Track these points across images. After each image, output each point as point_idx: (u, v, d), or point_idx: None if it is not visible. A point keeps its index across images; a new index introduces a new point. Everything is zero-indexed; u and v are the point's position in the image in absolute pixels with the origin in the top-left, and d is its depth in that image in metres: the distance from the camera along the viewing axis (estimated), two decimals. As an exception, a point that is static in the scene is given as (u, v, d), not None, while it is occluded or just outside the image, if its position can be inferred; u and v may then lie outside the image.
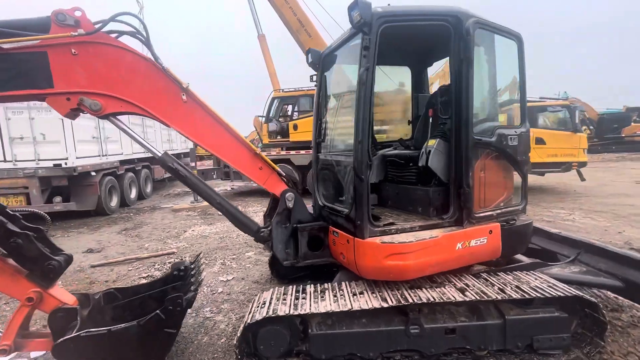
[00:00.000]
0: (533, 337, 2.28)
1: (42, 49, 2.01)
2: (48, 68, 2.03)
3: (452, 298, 2.15)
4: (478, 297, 2.15)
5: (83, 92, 2.12)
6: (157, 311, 2.13)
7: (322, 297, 2.33)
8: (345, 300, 2.25)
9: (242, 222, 2.64)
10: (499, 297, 2.16)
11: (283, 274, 3.52)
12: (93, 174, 7.47)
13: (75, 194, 7.37)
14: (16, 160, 6.78)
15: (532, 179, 9.35)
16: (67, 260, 2.28)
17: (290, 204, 2.66)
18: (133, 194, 9.69)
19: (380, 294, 2.29)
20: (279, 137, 10.44)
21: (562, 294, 2.19)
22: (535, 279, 2.44)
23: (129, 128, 2.36)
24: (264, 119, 10.39)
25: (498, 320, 2.26)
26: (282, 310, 2.17)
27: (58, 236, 6.49)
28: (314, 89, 9.05)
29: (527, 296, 2.18)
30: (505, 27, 2.53)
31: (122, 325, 2.09)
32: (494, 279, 2.46)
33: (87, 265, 4.70)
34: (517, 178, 2.73)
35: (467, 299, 2.14)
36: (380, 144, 3.60)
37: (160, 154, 2.40)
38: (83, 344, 2.00)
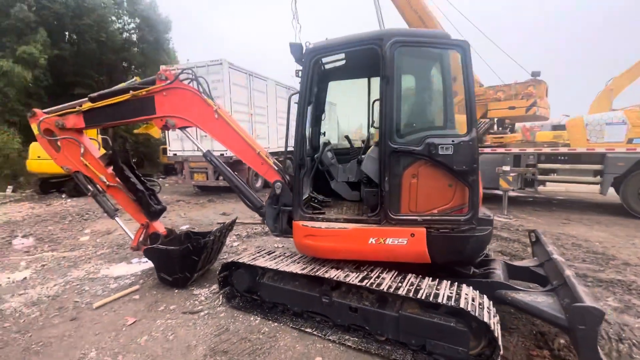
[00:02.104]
0: (426, 339, 2.38)
1: (151, 95, 3.79)
2: (153, 103, 3.80)
3: (343, 280, 2.59)
4: (360, 283, 2.50)
5: (168, 115, 3.81)
6: (188, 244, 3.66)
7: (272, 258, 3.22)
8: (281, 263, 3.06)
9: (250, 200, 3.78)
10: (382, 289, 2.43)
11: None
12: (244, 161, 10.45)
13: (233, 174, 10.58)
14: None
15: None
16: (162, 209, 4.13)
17: (277, 191, 3.58)
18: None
19: (308, 265, 2.96)
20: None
21: (450, 304, 2.22)
22: (453, 290, 2.43)
23: (188, 134, 3.94)
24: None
25: (394, 313, 2.49)
26: (243, 260, 3.22)
27: (217, 202, 9.68)
28: None
29: (412, 296, 2.34)
30: (444, 39, 2.50)
31: (172, 247, 3.72)
32: (415, 281, 2.62)
33: (215, 221, 7.11)
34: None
35: (350, 283, 2.53)
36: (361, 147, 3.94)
37: (204, 150, 3.86)
38: (156, 252, 3.75)
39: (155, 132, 14.52)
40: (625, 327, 2.88)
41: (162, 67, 11.06)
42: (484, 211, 3.08)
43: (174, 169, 14.11)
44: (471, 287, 2.50)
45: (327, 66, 3.64)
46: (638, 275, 4.03)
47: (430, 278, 2.63)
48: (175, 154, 10.95)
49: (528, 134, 21.56)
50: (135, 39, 18.71)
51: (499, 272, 2.94)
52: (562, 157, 7.63)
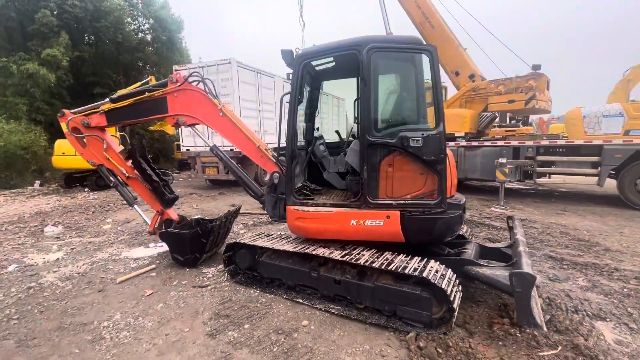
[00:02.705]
0: (397, 306, 2.76)
1: (164, 95, 4.25)
2: (165, 103, 4.26)
3: (328, 257, 3.00)
4: (342, 259, 2.90)
5: (179, 114, 4.26)
6: (197, 229, 4.13)
7: (269, 240, 3.65)
8: (277, 244, 3.48)
9: (252, 190, 4.21)
10: (361, 263, 2.82)
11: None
12: (251, 156, 10.96)
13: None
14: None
15: None
16: (175, 198, 4.63)
17: (275, 181, 3.99)
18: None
19: (299, 245, 3.37)
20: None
21: (415, 274, 2.59)
22: (425, 265, 2.80)
23: (197, 130, 4.39)
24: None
25: (370, 284, 2.88)
26: (245, 241, 3.66)
27: (227, 194, 10.22)
28: (428, 82, 9.35)
29: (384, 268, 2.72)
30: (414, 45, 2.84)
31: (183, 231, 4.20)
32: (390, 257, 2.99)
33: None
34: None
35: (334, 259, 2.94)
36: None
37: (211, 145, 4.31)
38: (170, 235, 4.25)
39: (169, 129, 15.16)
40: (585, 301, 3.18)
41: (175, 67, 11.63)
42: (457, 197, 3.44)
43: (187, 164, 14.77)
44: (438, 262, 2.86)
45: (319, 68, 4.00)
46: (614, 259, 4.28)
47: (404, 254, 3.00)
48: (187, 150, 11.52)
49: (544, 126, 21.26)
50: (149, 39, 19.44)
51: (470, 252, 3.29)
52: (560, 150, 7.76)
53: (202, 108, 4.12)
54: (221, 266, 4.19)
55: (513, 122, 12.41)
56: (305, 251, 3.20)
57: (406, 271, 2.66)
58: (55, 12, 14.36)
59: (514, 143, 8.31)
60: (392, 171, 3.02)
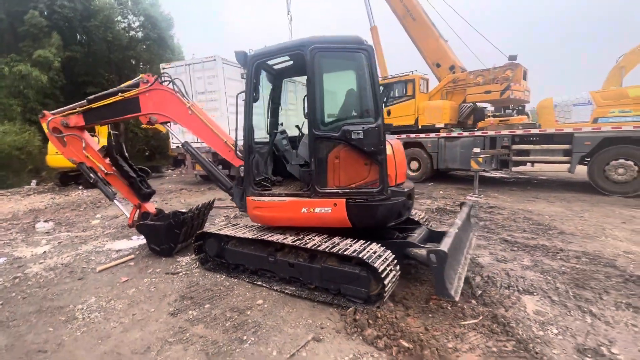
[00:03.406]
0: (341, 285, 3.04)
1: (137, 96, 4.49)
2: (138, 103, 4.50)
3: (281, 242, 3.27)
4: (292, 243, 3.18)
5: (151, 113, 4.51)
6: (171, 220, 4.42)
7: (233, 229, 3.93)
8: (239, 232, 3.76)
9: (222, 183, 4.46)
10: (309, 247, 3.09)
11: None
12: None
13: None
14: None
15: None
16: (151, 193, 4.90)
17: (242, 174, 4.26)
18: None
19: (258, 233, 3.65)
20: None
21: (352, 256, 2.87)
22: (365, 247, 3.07)
23: (170, 129, 4.64)
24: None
25: (318, 266, 3.16)
26: (212, 230, 3.94)
27: (216, 189, 10.48)
28: (407, 75, 9.61)
29: (328, 251, 3.00)
30: (353, 44, 3.06)
31: (158, 223, 4.49)
32: (337, 241, 3.26)
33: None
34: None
35: (285, 243, 3.21)
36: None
37: (182, 142, 4.57)
38: (146, 227, 4.53)
39: (161, 126, 15.40)
40: (521, 278, 3.46)
41: (162, 65, 11.82)
42: (405, 185, 3.69)
43: (182, 160, 15.05)
44: (379, 245, 3.12)
45: (278, 67, 4.23)
46: (564, 241, 4.54)
47: (351, 239, 3.26)
48: (178, 146, 11.78)
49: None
50: (140, 37, 19.57)
51: (415, 236, 3.55)
52: (534, 138, 7.98)
53: (172, 107, 4.35)
54: (194, 256, 4.48)
55: (508, 111, 12.54)
56: (263, 238, 3.47)
57: (346, 253, 2.93)
58: (45, 13, 14.50)
59: (491, 133, 8.53)
60: (338, 162, 3.27)
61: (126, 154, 4.98)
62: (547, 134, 7.77)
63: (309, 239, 3.32)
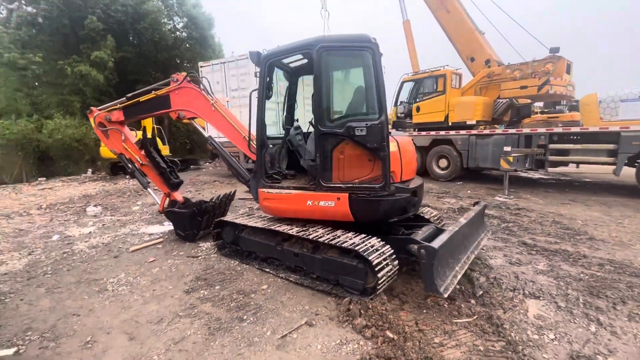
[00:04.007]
0: (339, 275, 3.16)
1: (167, 93, 4.90)
2: (169, 100, 4.92)
3: (286, 232, 3.46)
4: (296, 234, 3.35)
5: (180, 109, 4.90)
6: (194, 208, 4.81)
7: (248, 218, 4.18)
8: (251, 221, 4.01)
9: (241, 175, 4.75)
10: (309, 237, 3.24)
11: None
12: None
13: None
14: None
15: None
16: (179, 183, 5.34)
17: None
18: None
19: (269, 223, 3.87)
20: (407, 120, 11.09)
21: (348, 248, 2.97)
22: (363, 240, 3.15)
23: (197, 124, 5.01)
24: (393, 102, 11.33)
25: (319, 256, 3.30)
26: (228, 219, 4.24)
27: (245, 182, 10.98)
28: (438, 70, 9.41)
29: (328, 243, 3.13)
30: (359, 43, 3.11)
31: (183, 210, 4.90)
32: (339, 234, 3.37)
33: (238, 197, 8.34)
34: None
35: (290, 234, 3.39)
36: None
37: (207, 135, 4.92)
38: (173, 214, 4.97)
39: (201, 121, 16.32)
40: (531, 282, 3.33)
41: (200, 63, 12.53)
42: (413, 182, 3.69)
43: (217, 154, 15.91)
44: (378, 240, 3.19)
45: (294, 65, 4.38)
46: (591, 248, 4.25)
47: (352, 232, 3.36)
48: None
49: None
50: (184, 37, 20.80)
51: (421, 233, 3.55)
52: (575, 137, 7.39)
53: (198, 103, 4.71)
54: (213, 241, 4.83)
55: (558, 107, 11.64)
56: (271, 228, 3.68)
57: (344, 245, 3.04)
58: (101, 17, 15.97)
59: (526, 130, 8.03)
60: (343, 158, 3.37)
61: (158, 147, 5.47)
62: (589, 132, 7.16)
63: (313, 231, 3.47)
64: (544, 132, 7.76)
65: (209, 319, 2.86)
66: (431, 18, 10.80)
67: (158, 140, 14.34)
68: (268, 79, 3.71)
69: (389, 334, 2.45)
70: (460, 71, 10.27)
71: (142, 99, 4.99)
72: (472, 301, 2.99)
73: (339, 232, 3.40)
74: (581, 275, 3.48)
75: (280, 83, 13.13)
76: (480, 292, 3.10)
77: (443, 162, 9.98)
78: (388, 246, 3.14)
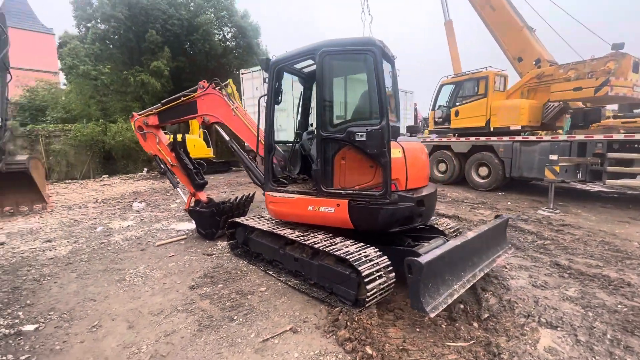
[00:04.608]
0: (334, 284, 3.09)
1: (194, 99, 5.24)
2: (196, 106, 5.25)
3: (286, 236, 3.47)
4: (293, 238, 3.34)
5: (205, 114, 5.20)
6: (213, 208, 5.05)
7: (256, 221, 4.28)
8: (258, 224, 4.09)
9: (257, 177, 4.90)
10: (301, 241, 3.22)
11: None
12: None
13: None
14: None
15: None
16: (204, 184, 5.64)
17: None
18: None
19: (274, 226, 3.91)
20: (446, 125, 10.51)
21: (340, 256, 2.89)
22: (359, 250, 3.05)
23: (220, 128, 5.27)
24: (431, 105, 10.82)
25: (316, 263, 3.26)
26: (239, 220, 4.38)
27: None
28: (479, 72, 8.95)
29: (321, 249, 3.08)
30: (360, 47, 3.01)
31: (203, 209, 5.16)
32: (336, 241, 3.30)
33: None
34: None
35: (289, 237, 3.39)
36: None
37: (227, 139, 5.14)
38: (195, 213, 5.27)
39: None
40: (552, 309, 2.94)
41: (241, 70, 13.19)
42: (424, 190, 3.49)
43: (254, 157, 16.58)
44: (375, 249, 3.05)
45: (308, 70, 4.40)
46: (642, 275, 3.62)
47: (350, 240, 3.26)
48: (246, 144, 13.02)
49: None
50: (232, 46, 22.05)
51: (427, 245, 3.34)
52: (640, 145, 6.40)
53: (220, 109, 4.96)
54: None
55: (637, 111, 10.18)
56: (274, 231, 3.73)
57: (336, 252, 2.96)
58: (160, 31, 17.61)
59: (579, 137, 7.14)
60: (344, 163, 3.31)
61: (186, 149, 5.85)
62: (659, 140, 6.15)
63: (312, 236, 3.44)
64: (601, 139, 6.84)
65: (203, 315, 2.97)
66: (472, 17, 10.16)
67: (202, 142, 15.45)
68: (277, 85, 3.78)
69: (368, 350, 2.33)
70: (505, 72, 9.50)
71: (172, 104, 5.38)
72: (475, 324, 2.72)
73: (337, 239, 3.33)
74: (618, 306, 2.99)
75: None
76: (486, 315, 2.81)
77: (483, 171, 9.28)
78: (385, 257, 3.00)
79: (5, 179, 7.09)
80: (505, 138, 8.54)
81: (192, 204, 5.67)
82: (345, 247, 3.09)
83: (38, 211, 7.75)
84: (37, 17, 31.65)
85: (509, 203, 7.60)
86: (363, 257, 2.90)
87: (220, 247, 4.90)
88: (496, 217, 3.83)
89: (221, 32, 21.28)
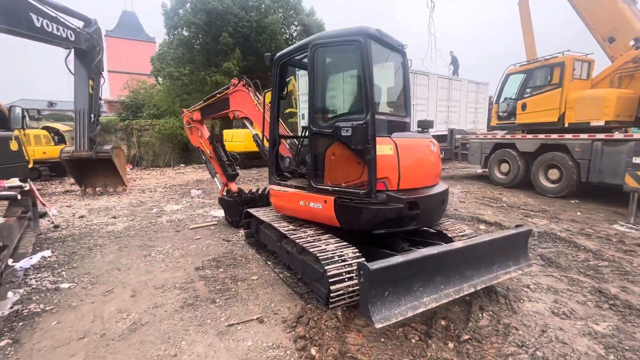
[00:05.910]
0: (312, 281, 3.06)
1: (227, 96, 5.63)
2: (228, 102, 5.64)
3: (279, 229, 3.54)
4: (284, 232, 3.39)
5: (235, 110, 5.57)
6: (237, 198, 5.40)
7: (265, 212, 4.44)
8: (264, 215, 4.24)
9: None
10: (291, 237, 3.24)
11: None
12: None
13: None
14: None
15: None
16: (235, 175, 6.06)
17: (287, 164, 4.72)
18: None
19: (276, 219, 4.02)
20: (512, 119, 9.25)
21: (313, 253, 2.85)
22: (338, 248, 2.96)
23: (248, 123, 5.58)
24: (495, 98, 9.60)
25: (300, 258, 3.26)
26: (251, 211, 4.61)
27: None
28: (554, 57, 7.95)
29: (300, 244, 3.07)
30: (348, 37, 2.84)
31: (231, 199, 5.56)
32: (322, 238, 3.25)
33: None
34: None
35: (282, 231, 3.45)
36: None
37: (253, 133, 5.42)
38: (223, 201, 5.71)
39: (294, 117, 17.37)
40: (560, 344, 2.43)
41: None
42: (422, 191, 3.20)
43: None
44: (354, 250, 2.92)
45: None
46: None
47: (336, 238, 3.17)
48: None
49: None
50: (298, 44, 22.88)
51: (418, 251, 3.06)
52: None
53: (247, 104, 5.26)
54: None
55: None
56: (272, 223, 3.83)
57: (310, 249, 2.92)
58: (232, 34, 19.17)
59: (684, 136, 5.58)
60: (333, 159, 3.23)
61: (223, 142, 6.33)
62: None
63: (302, 232, 3.44)
64: None
65: (191, 294, 3.25)
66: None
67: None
68: (280, 79, 3.84)
69: (313, 351, 2.27)
70: (590, 57, 7.89)
71: (210, 101, 5.88)
72: (450, 344, 2.42)
73: (324, 237, 3.28)
74: (662, 353, 2.32)
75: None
76: (466, 337, 2.46)
77: (554, 174, 7.92)
78: (362, 260, 2.84)
79: (95, 165, 8.67)
80: (583, 136, 7.14)
81: (224, 194, 6.16)
82: (325, 245, 3.03)
83: (119, 192, 9.29)
84: (143, 29, 37.36)
85: (579, 213, 6.37)
86: (336, 257, 2.81)
87: (239, 235, 5.22)
88: (516, 226, 3.29)
89: (287, 31, 22.12)
